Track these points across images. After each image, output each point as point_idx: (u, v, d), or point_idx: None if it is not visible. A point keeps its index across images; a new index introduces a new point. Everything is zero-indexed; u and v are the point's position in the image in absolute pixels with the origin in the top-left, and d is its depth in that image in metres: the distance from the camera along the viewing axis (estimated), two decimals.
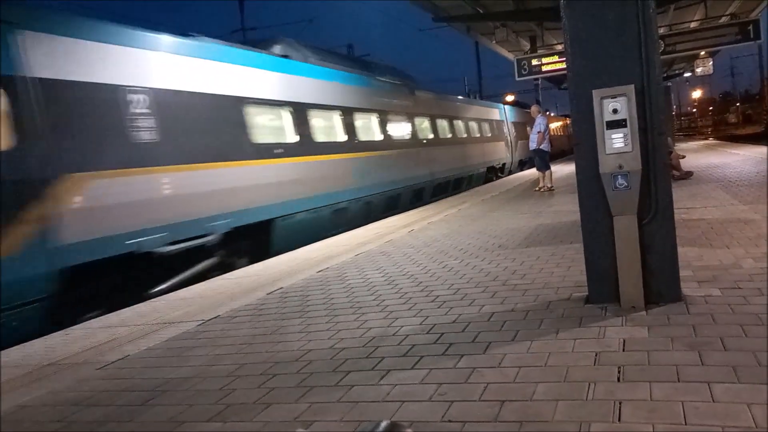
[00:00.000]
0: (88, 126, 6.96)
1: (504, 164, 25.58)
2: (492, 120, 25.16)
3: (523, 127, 29.04)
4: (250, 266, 7.88)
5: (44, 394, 3.64)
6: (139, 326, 5.16)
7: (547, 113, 29.24)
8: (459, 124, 20.60)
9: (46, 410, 3.37)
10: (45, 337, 5.23)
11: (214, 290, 6.41)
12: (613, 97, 3.80)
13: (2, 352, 4.87)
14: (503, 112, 27.82)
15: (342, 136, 12.70)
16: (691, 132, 68.42)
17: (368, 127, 14.14)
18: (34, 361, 4.45)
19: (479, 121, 23.16)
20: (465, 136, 20.95)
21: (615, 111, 3.79)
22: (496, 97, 43.64)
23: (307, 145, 11.19)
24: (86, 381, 3.81)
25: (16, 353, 4.77)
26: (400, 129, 15.83)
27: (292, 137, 10.93)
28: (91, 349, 4.59)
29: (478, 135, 22.58)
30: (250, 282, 6.60)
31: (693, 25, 20.17)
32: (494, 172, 23.86)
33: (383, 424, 1.08)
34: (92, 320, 5.69)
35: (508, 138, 27.13)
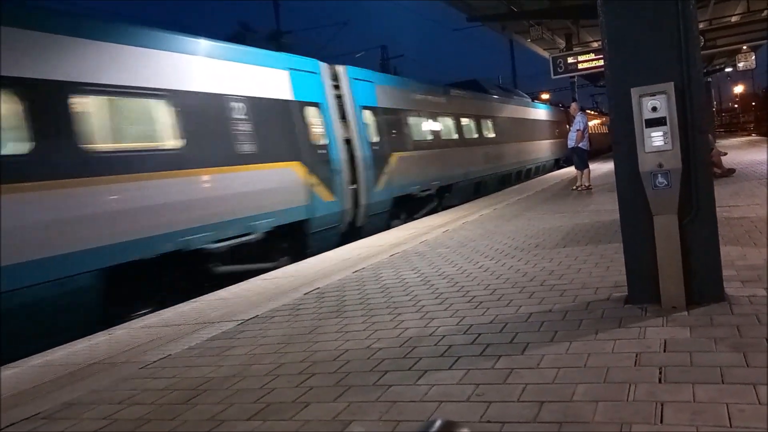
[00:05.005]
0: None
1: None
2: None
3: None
4: (287, 267, 7.96)
5: (89, 393, 3.73)
6: (179, 326, 5.26)
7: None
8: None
9: (90, 408, 3.46)
10: (89, 336, 5.36)
11: (252, 291, 6.50)
12: (653, 94, 3.74)
13: (50, 350, 5.01)
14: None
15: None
16: (733, 128, 66.70)
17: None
18: (78, 360, 4.57)
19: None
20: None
21: (654, 109, 3.73)
22: (531, 96, 44.62)
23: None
24: (129, 380, 3.90)
25: (60, 353, 4.90)
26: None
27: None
28: (133, 349, 4.69)
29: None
30: (288, 282, 6.66)
31: (734, 19, 19.70)
32: None
33: (438, 423, 1.04)
34: (134, 320, 5.82)
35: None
